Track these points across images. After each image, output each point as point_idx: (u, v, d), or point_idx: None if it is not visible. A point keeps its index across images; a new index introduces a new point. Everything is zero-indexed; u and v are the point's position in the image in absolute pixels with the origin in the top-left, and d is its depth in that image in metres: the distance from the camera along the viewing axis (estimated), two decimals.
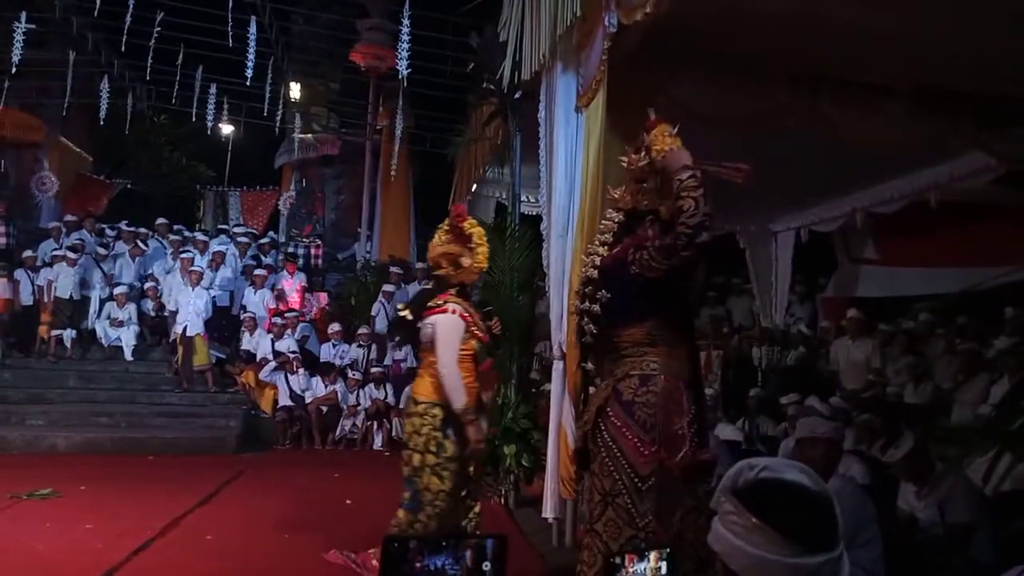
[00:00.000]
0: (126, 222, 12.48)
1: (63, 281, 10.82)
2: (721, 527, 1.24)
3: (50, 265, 11.01)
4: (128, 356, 11.08)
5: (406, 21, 10.22)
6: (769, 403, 7.20)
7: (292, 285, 12.04)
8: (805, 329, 9.45)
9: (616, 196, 3.16)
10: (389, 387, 10.54)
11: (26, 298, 10.88)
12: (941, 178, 6.51)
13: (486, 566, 1.34)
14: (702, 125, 4.50)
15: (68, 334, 10.87)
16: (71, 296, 10.84)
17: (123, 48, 11.49)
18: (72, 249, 11.17)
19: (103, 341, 11.13)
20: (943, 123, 4.84)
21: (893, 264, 8.89)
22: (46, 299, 10.81)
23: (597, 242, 3.13)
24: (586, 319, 3.01)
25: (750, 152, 5.90)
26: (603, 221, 3.19)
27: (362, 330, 11.20)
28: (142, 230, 12.47)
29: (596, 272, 3.01)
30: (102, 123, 12.88)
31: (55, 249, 11.25)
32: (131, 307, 11.33)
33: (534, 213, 8.43)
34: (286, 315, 11.16)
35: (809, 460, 3.60)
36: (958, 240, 7.80)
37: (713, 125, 4.30)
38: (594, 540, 2.80)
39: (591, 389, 3.16)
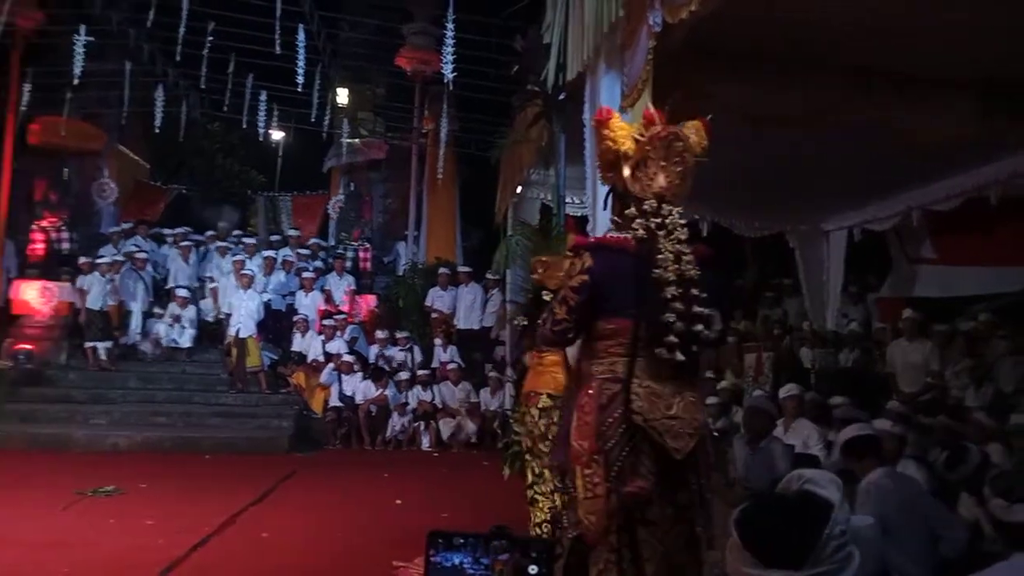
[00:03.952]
0: (186, 229, 12.86)
1: (95, 292, 11.05)
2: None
3: (86, 273, 11.27)
4: (184, 356, 11.44)
5: (450, 25, 10.30)
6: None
7: (340, 286, 12.25)
8: (857, 328, 9.22)
9: (669, 186, 2.76)
10: (436, 389, 10.63)
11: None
12: (1001, 174, 6.29)
13: (532, 569, 1.34)
14: (750, 124, 4.45)
15: (103, 347, 11.05)
16: (102, 308, 11.08)
17: (177, 58, 11.83)
18: (129, 256, 11.60)
19: (162, 342, 11.48)
20: (1005, 118, 4.68)
21: (951, 263, 8.63)
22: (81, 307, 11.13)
23: (675, 240, 2.70)
24: (701, 326, 2.65)
25: (800, 150, 5.83)
26: (674, 219, 2.73)
27: (400, 334, 11.34)
28: (209, 233, 12.89)
29: (697, 273, 2.69)
30: (157, 131, 13.25)
31: (99, 257, 11.58)
32: (192, 309, 11.66)
33: (579, 214, 8.42)
34: (336, 317, 11.36)
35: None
36: (1020, 238, 7.53)
37: (762, 124, 4.23)
38: None
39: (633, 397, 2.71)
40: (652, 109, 2.85)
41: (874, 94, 4.56)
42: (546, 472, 4.34)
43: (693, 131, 2.81)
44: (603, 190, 4.32)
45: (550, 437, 4.24)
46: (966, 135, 4.73)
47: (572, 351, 3.71)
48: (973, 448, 4.16)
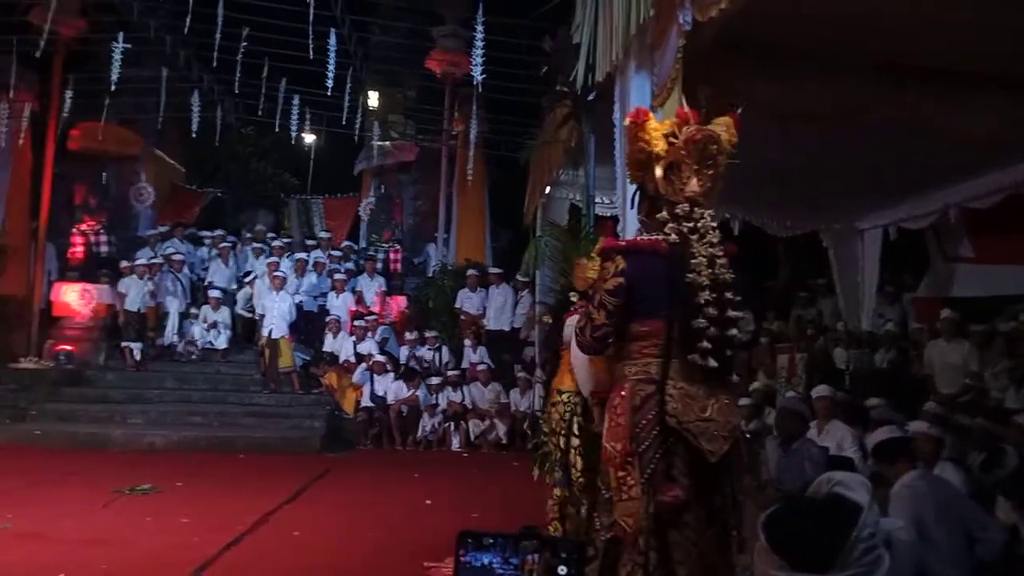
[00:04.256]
0: (220, 231, 13.10)
1: (132, 294, 11.37)
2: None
3: (126, 276, 11.58)
4: (219, 357, 11.65)
5: (480, 27, 10.34)
6: None
7: (371, 287, 12.35)
8: (892, 328, 9.06)
9: (702, 189, 2.74)
10: (466, 389, 10.67)
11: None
12: None
13: (562, 570, 1.34)
14: (781, 122, 4.40)
15: (137, 347, 11.34)
16: (139, 310, 11.39)
17: (213, 64, 12.04)
18: (168, 258, 11.87)
19: (199, 343, 11.68)
20: None
21: (990, 262, 8.44)
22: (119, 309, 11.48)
23: (708, 243, 2.69)
24: (735, 330, 2.67)
25: (833, 148, 5.74)
26: (706, 222, 2.72)
27: (429, 333, 11.41)
28: (248, 235, 13.18)
29: (731, 276, 2.69)
30: (193, 135, 13.49)
31: (139, 259, 11.86)
32: (225, 310, 11.84)
33: (609, 215, 8.38)
34: (367, 318, 11.46)
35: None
36: None
37: (793, 122, 4.18)
38: None
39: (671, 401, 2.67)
40: (687, 108, 2.83)
41: (905, 90, 4.48)
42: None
43: (723, 128, 2.79)
44: (632, 189, 4.31)
45: (559, 432, 4.36)
46: (997, 132, 4.63)
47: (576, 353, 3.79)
48: (1011, 450, 4.08)
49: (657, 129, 2.80)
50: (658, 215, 2.76)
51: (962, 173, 6.86)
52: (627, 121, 2.84)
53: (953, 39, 4.11)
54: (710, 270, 2.65)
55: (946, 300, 8.61)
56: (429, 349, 11.32)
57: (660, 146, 2.76)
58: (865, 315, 9.30)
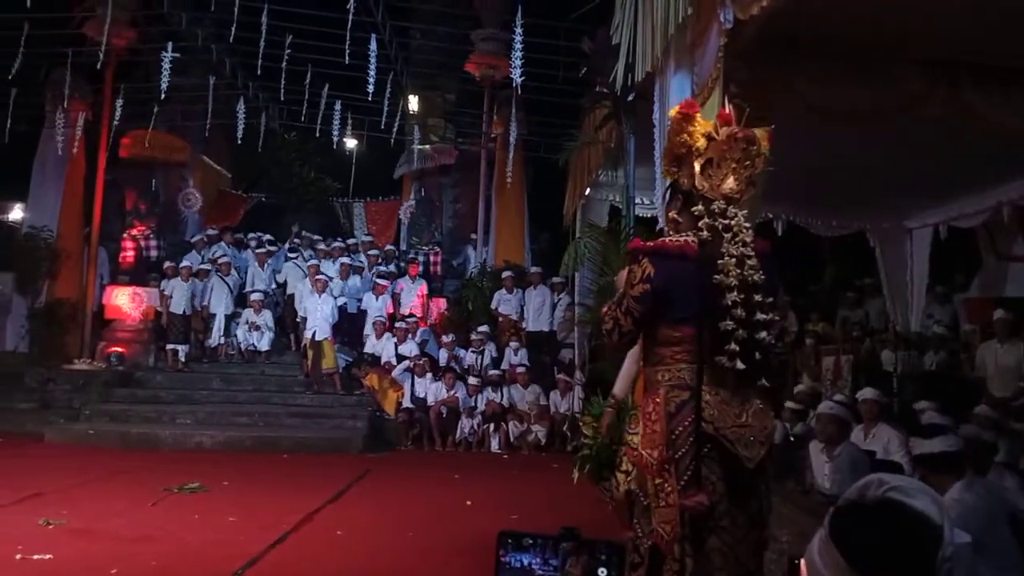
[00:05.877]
0: (259, 235, 13.35)
1: (177, 296, 11.61)
2: (816, 537, 1.18)
3: (169, 279, 11.84)
4: (263, 359, 11.84)
5: (519, 30, 10.36)
6: None
7: (411, 289, 12.43)
8: (941, 330, 8.81)
9: (738, 188, 2.70)
10: (506, 390, 10.68)
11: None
12: None
13: (602, 572, 1.34)
14: (827, 120, 4.32)
15: (182, 349, 11.61)
16: (184, 312, 11.63)
17: (258, 71, 12.27)
18: (215, 261, 12.12)
19: (241, 345, 11.90)
20: None
21: None
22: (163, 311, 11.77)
23: (741, 243, 2.63)
24: (764, 333, 2.57)
25: (881, 145, 5.62)
26: (739, 221, 2.66)
27: (475, 335, 11.44)
28: (297, 239, 13.48)
29: (761, 278, 2.61)
30: (239, 142, 13.77)
31: (185, 262, 12.08)
32: (267, 313, 12.04)
33: (649, 215, 8.33)
34: (408, 320, 11.55)
35: None
36: None
37: (839, 120, 4.09)
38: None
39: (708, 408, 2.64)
40: (729, 110, 2.79)
41: (959, 87, 4.35)
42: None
43: (761, 135, 2.76)
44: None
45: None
46: None
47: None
48: None
49: (701, 124, 2.77)
50: (693, 209, 2.72)
51: (1016, 170, 6.64)
52: (674, 111, 2.80)
53: (1007, 33, 3.99)
54: (738, 270, 2.60)
55: (999, 300, 8.37)
56: (473, 351, 11.36)
57: (700, 143, 2.73)
58: (914, 316, 9.08)
